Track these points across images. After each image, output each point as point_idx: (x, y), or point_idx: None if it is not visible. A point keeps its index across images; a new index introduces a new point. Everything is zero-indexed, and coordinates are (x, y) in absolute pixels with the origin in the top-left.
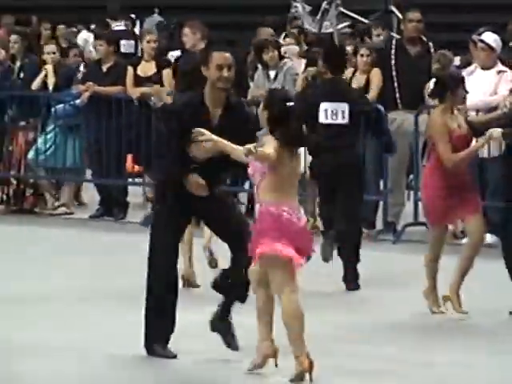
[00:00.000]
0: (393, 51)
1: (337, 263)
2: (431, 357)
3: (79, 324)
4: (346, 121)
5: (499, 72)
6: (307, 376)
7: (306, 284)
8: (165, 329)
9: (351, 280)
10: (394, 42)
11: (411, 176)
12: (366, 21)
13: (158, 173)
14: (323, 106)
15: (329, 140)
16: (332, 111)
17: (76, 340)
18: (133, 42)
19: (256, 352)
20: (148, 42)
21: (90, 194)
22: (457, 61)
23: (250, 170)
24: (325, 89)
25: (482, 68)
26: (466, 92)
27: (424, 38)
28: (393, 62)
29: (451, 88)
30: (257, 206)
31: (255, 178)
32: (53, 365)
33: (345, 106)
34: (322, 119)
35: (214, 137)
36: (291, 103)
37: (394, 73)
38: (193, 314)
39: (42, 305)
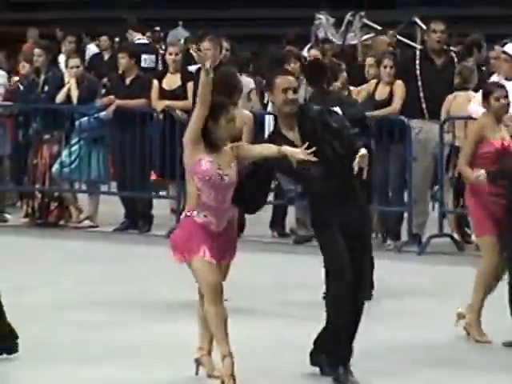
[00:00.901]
0: (417, 61)
1: None
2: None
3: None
4: None
5: None
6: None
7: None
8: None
9: None
10: (418, 52)
11: (436, 187)
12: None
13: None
14: None
15: None
16: None
17: None
18: (154, 56)
19: None
20: (170, 54)
21: (115, 207)
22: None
23: None
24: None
25: (506, 79)
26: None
27: (448, 49)
28: (418, 72)
29: (494, 96)
30: None
31: None
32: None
33: None
34: None
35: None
36: None
37: (419, 83)
38: None
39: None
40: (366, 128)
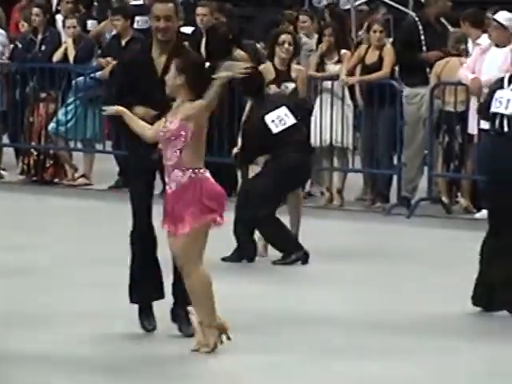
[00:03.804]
0: (420, 27)
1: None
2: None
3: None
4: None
5: None
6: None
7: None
8: None
9: None
10: (417, 20)
11: (425, 151)
12: None
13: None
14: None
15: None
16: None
17: None
18: (147, 17)
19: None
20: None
21: (110, 166)
22: (484, 38)
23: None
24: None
25: (497, 45)
26: None
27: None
28: (422, 37)
29: None
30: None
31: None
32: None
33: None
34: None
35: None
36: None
37: (424, 48)
38: None
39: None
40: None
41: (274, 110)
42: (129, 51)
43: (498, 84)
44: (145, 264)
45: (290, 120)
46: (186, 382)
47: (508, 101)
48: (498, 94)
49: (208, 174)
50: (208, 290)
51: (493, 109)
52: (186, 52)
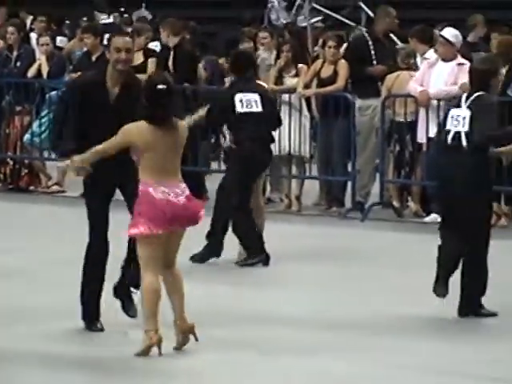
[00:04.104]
0: (370, 43)
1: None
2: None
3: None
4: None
5: (459, 64)
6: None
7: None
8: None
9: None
10: (367, 35)
11: (377, 160)
12: (336, 15)
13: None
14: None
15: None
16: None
17: None
18: None
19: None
20: (138, 36)
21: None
22: (431, 53)
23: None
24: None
25: (443, 60)
26: None
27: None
28: (372, 52)
29: None
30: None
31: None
32: None
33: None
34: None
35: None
36: (163, 86)
37: (374, 62)
38: None
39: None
40: (279, 123)
41: (246, 92)
42: (82, 76)
43: (455, 102)
44: (94, 285)
45: (257, 108)
46: (151, 377)
47: (464, 118)
48: (455, 112)
49: (152, 190)
50: (150, 298)
51: (449, 126)
52: (137, 82)
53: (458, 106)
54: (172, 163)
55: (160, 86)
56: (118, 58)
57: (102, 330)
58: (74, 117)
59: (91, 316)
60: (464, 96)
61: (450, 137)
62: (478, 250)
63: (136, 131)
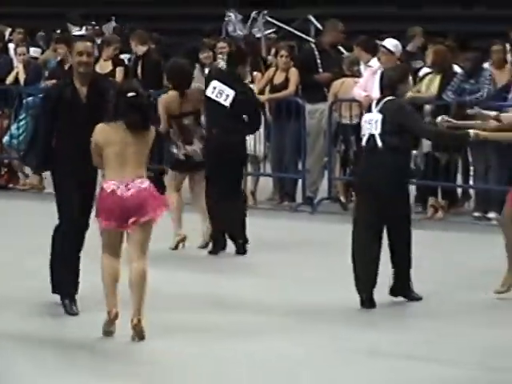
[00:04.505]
0: (317, 53)
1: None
2: None
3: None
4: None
5: None
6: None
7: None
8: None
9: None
10: (314, 46)
11: (325, 158)
12: (288, 28)
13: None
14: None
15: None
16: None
17: None
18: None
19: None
20: (108, 46)
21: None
22: (374, 61)
23: None
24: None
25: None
26: None
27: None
28: (319, 61)
29: None
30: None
31: None
32: None
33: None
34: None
35: None
36: (132, 94)
37: (320, 70)
38: None
39: None
40: (258, 115)
41: (224, 83)
42: (53, 86)
43: (367, 108)
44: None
45: (225, 101)
46: (109, 358)
47: (376, 122)
48: (368, 116)
49: (105, 185)
50: (106, 279)
51: (364, 130)
52: (104, 79)
53: (370, 110)
54: (131, 161)
55: (130, 94)
56: (80, 61)
57: (76, 313)
58: (45, 128)
59: (64, 292)
60: (375, 101)
61: (365, 139)
62: (403, 243)
63: (97, 130)
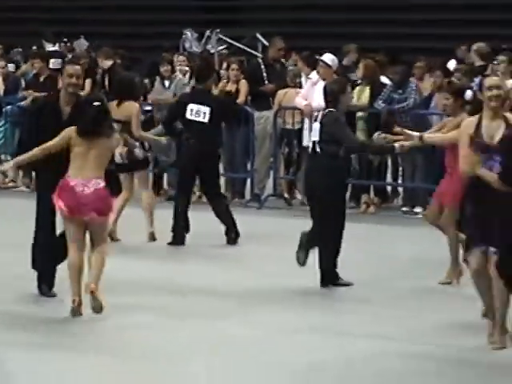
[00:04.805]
0: (263, 67)
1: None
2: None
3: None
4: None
5: None
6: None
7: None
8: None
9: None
10: (261, 61)
11: (271, 159)
12: (238, 44)
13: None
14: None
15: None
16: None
17: None
18: (60, 60)
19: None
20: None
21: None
22: (314, 74)
23: None
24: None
25: (323, 79)
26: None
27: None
28: (265, 74)
29: None
30: None
31: None
32: None
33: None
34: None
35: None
36: (97, 103)
37: (266, 82)
38: None
39: None
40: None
41: (198, 103)
42: (36, 102)
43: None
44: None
45: (204, 119)
46: (84, 336)
47: (315, 130)
48: (314, 125)
49: (67, 180)
50: (70, 270)
51: (311, 137)
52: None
53: (316, 120)
54: (91, 163)
55: (96, 103)
56: (70, 83)
57: (54, 295)
58: (29, 136)
59: (44, 281)
60: (321, 112)
61: (310, 146)
62: (331, 234)
63: (73, 129)
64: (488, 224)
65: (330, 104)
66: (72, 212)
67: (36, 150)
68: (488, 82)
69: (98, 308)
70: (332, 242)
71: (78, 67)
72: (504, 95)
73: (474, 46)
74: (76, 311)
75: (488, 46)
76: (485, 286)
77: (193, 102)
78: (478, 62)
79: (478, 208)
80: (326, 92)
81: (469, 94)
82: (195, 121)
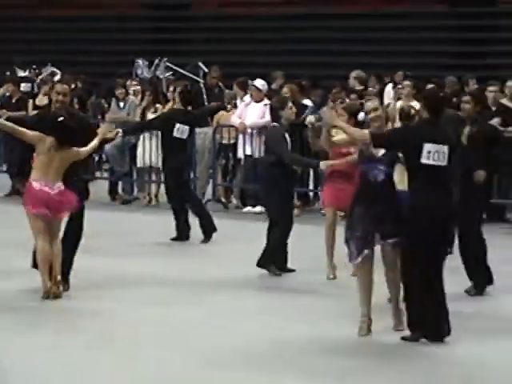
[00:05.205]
0: (204, 90)
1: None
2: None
3: None
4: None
5: (265, 104)
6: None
7: None
8: None
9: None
10: (202, 85)
11: (210, 170)
12: (182, 71)
13: None
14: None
15: None
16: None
17: None
18: (30, 84)
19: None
20: (45, 83)
21: (6, 180)
22: (247, 97)
23: None
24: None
25: (255, 101)
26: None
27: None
28: (205, 96)
29: None
30: None
31: None
32: None
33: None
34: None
35: None
36: (61, 118)
37: (206, 103)
38: None
39: None
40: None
41: (181, 123)
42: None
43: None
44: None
45: (182, 135)
46: (52, 316)
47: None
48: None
49: (32, 182)
50: (40, 257)
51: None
52: (75, 113)
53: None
54: (54, 170)
55: (60, 119)
56: (57, 99)
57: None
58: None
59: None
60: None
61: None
62: (278, 229)
63: (40, 137)
64: (373, 223)
65: (273, 119)
66: (41, 209)
67: (13, 126)
68: (366, 107)
69: (58, 294)
70: (282, 239)
71: (65, 86)
72: (384, 114)
73: (353, 73)
74: (46, 295)
75: (367, 73)
76: (368, 282)
77: (180, 122)
78: (358, 87)
79: (363, 209)
80: (271, 109)
81: (361, 115)
82: (176, 138)
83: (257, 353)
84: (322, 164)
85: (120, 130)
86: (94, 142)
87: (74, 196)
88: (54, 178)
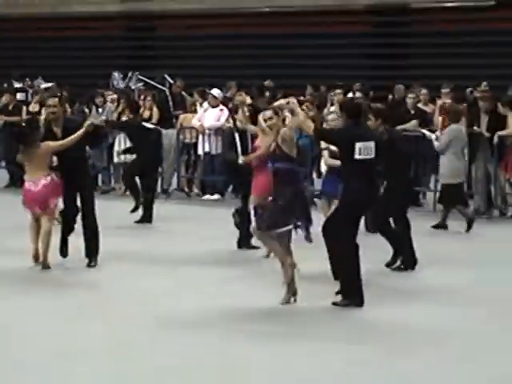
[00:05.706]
0: (169, 98)
1: None
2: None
3: None
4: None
5: (221, 109)
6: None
7: None
8: None
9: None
10: (168, 94)
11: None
12: (152, 82)
13: None
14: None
15: None
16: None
17: None
18: (24, 93)
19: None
20: (36, 95)
21: (4, 173)
22: (206, 104)
23: None
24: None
25: (212, 107)
26: None
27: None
28: (171, 103)
29: None
30: None
31: None
32: None
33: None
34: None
35: None
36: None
37: (171, 109)
38: None
39: None
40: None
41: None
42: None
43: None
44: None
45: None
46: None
47: None
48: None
49: (25, 183)
50: (30, 234)
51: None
52: (70, 121)
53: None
54: (36, 166)
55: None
56: (49, 111)
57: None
58: None
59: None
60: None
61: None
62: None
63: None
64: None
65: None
66: (32, 207)
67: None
68: (262, 116)
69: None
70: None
71: (55, 99)
72: (279, 122)
73: (266, 82)
74: (34, 260)
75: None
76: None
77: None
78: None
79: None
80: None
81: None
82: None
83: (206, 316)
84: (242, 159)
85: (104, 118)
86: (79, 132)
87: (58, 186)
88: (37, 174)
